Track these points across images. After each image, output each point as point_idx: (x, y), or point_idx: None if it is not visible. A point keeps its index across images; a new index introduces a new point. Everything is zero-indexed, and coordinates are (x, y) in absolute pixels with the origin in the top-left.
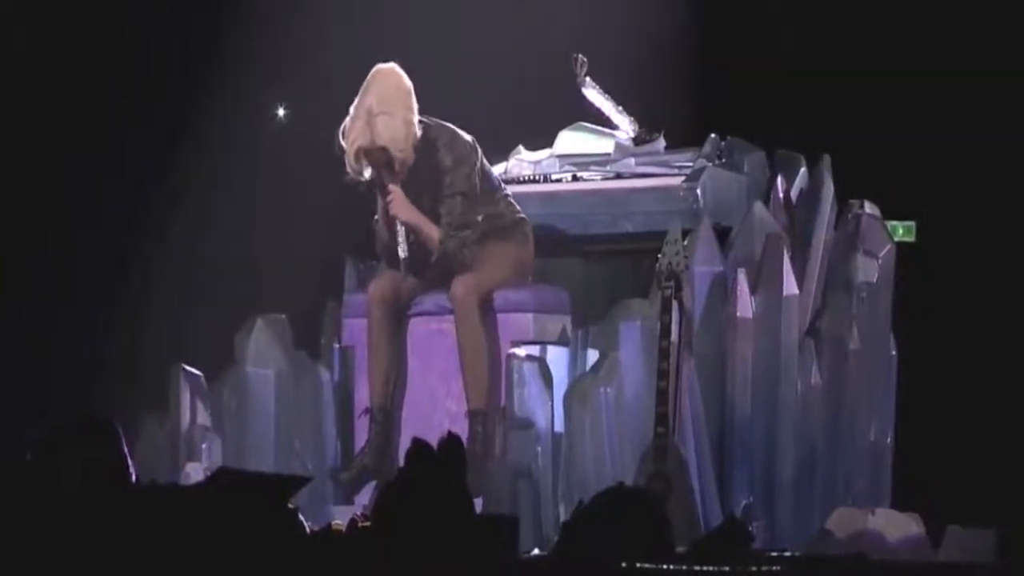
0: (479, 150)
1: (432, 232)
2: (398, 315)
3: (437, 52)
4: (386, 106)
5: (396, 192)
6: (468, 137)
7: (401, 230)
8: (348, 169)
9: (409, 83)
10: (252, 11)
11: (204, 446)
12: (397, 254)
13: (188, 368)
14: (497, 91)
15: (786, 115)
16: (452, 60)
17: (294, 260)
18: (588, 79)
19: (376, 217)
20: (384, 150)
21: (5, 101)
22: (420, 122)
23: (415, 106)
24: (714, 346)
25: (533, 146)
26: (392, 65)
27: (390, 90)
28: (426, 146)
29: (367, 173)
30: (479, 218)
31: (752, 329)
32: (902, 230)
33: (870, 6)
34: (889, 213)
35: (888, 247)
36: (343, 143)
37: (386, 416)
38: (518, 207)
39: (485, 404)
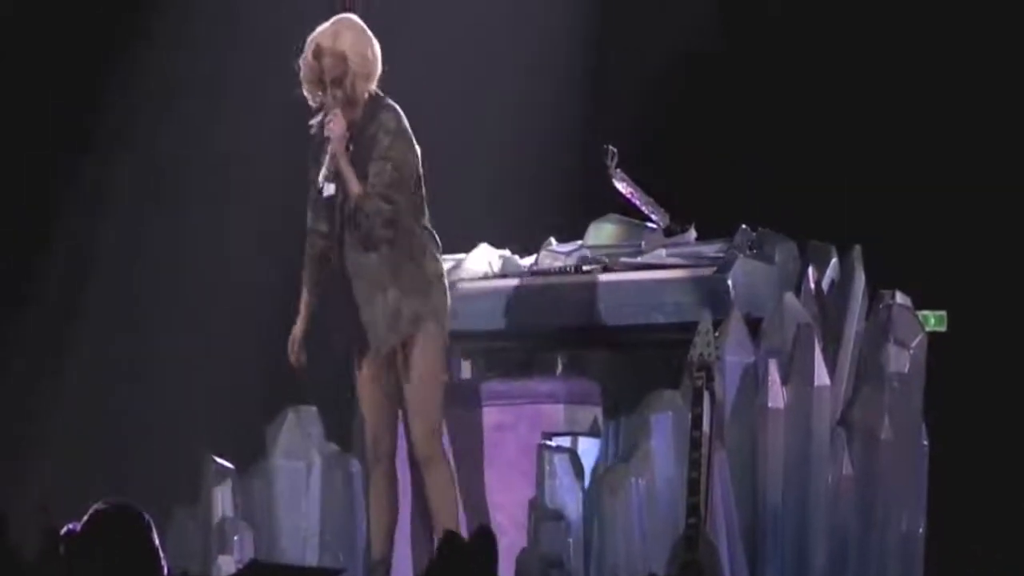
0: (418, 155)
1: (353, 186)
2: (391, 466)
3: (473, 142)
4: (359, 46)
5: (337, 117)
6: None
7: (328, 161)
8: (301, 78)
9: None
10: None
11: (236, 538)
12: (321, 192)
13: (219, 460)
14: (528, 183)
15: (817, 206)
16: (486, 148)
17: (325, 353)
18: (619, 170)
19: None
20: (343, 59)
21: None
22: (376, 94)
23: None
24: (746, 436)
25: (564, 238)
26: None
27: (365, 43)
28: (372, 115)
29: (319, 97)
30: (402, 202)
31: (783, 419)
32: (933, 320)
33: (901, 101)
34: (920, 303)
35: (919, 337)
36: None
37: (387, 568)
38: (426, 214)
39: None
